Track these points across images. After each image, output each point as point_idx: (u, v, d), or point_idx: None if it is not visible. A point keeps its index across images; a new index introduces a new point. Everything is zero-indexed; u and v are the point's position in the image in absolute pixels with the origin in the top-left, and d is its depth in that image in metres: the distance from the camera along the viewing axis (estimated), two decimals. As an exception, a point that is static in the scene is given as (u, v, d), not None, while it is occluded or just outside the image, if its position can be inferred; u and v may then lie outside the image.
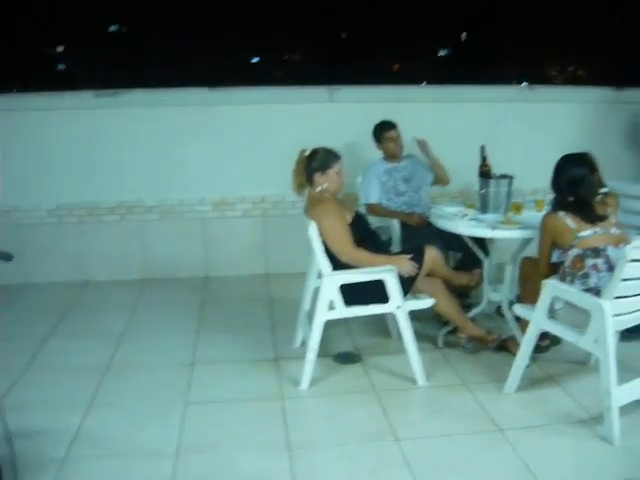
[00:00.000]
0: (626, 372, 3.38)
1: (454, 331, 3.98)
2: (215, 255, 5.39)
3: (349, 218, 3.63)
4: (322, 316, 3.49)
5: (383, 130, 4.64)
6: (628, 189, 4.34)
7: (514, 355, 3.49)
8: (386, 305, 3.52)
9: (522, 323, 3.61)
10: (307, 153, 3.68)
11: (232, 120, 5.23)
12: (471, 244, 3.92)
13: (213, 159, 5.23)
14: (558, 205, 3.40)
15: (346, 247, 3.51)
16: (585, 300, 3.14)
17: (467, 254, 4.15)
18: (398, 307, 3.50)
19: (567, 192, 3.36)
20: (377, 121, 4.68)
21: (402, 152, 4.70)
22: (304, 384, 3.53)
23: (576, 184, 3.34)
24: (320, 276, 3.56)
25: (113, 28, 11.14)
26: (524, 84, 6.64)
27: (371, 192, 4.62)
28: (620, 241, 3.24)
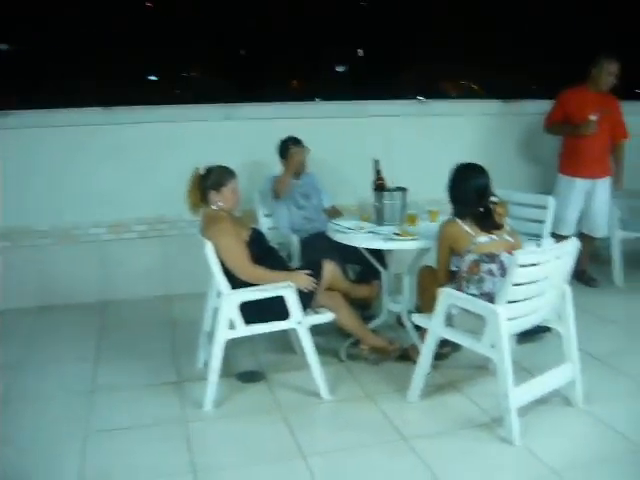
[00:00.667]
0: (523, 373, 3.52)
1: (356, 343, 4.00)
2: (113, 278, 5.25)
3: (246, 236, 3.61)
4: (222, 336, 3.45)
5: (292, 146, 4.65)
6: (517, 197, 4.50)
7: (416, 364, 3.53)
8: (287, 321, 3.51)
9: (422, 332, 3.67)
10: (201, 172, 3.65)
11: (126, 140, 5.11)
12: (369, 256, 3.97)
13: (107, 180, 5.09)
14: (457, 213, 3.52)
15: (244, 265, 3.49)
16: (480, 306, 3.23)
17: (365, 267, 4.20)
18: (299, 322, 3.50)
19: (467, 200, 3.47)
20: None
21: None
22: (208, 405, 3.47)
23: (478, 193, 3.48)
24: (219, 295, 3.53)
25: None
26: (419, 98, 6.82)
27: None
28: (513, 248, 3.35)
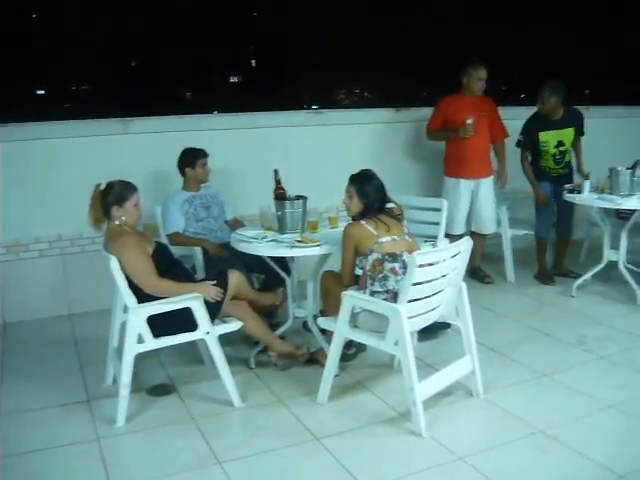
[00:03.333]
0: (427, 369, 3.68)
1: (264, 350, 4.06)
2: (13, 300, 5.08)
3: (150, 249, 3.62)
4: (131, 350, 3.44)
5: (197, 157, 4.67)
6: (413, 201, 4.70)
7: (324, 366, 3.63)
8: (195, 332, 3.53)
9: (328, 335, 3.77)
10: (102, 187, 3.63)
11: (20, 157, 4.96)
12: (273, 264, 4.04)
13: (1, 199, 4.96)
14: (361, 215, 3.66)
15: (149, 278, 3.50)
16: (382, 307, 3.36)
17: (270, 275, 4.28)
18: (207, 333, 3.53)
19: (371, 203, 3.64)
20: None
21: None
22: (120, 421, 3.45)
23: (379, 195, 3.68)
24: (126, 310, 3.52)
25: None
26: (314, 108, 6.96)
27: (172, 222, 4.62)
28: (413, 248, 3.51)
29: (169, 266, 3.72)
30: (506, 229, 5.76)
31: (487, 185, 5.62)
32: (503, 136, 5.71)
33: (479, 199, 5.61)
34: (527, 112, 5.73)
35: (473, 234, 5.46)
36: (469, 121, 5.28)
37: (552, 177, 5.61)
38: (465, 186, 5.55)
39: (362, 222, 3.62)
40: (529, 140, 5.57)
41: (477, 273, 5.75)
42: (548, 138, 5.53)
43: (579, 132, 5.65)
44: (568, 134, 5.57)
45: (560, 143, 5.56)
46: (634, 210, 5.08)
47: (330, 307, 3.74)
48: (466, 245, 3.40)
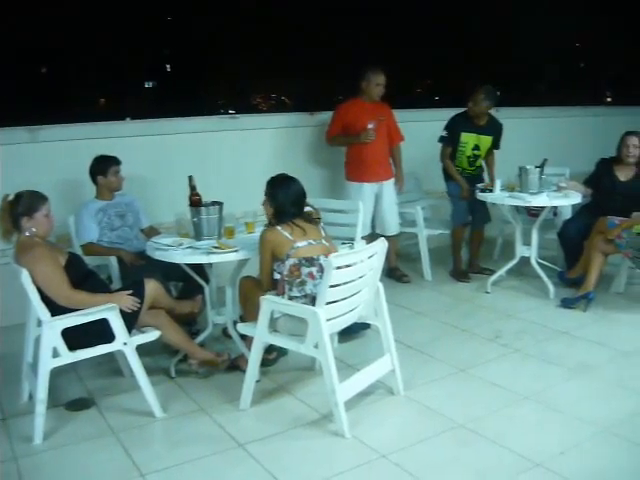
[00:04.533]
0: (348, 370, 3.71)
1: (185, 359, 4.02)
2: None
3: (63, 260, 3.53)
4: (46, 365, 3.34)
5: (109, 165, 4.57)
6: (328, 203, 4.73)
7: (245, 372, 3.61)
8: (112, 343, 3.46)
9: (248, 340, 3.75)
10: (11, 198, 3.52)
11: None
12: (190, 272, 4.00)
13: None
14: (276, 220, 3.65)
15: (63, 290, 3.41)
16: (301, 310, 3.37)
17: (188, 282, 4.23)
18: (125, 344, 3.47)
19: (285, 208, 3.63)
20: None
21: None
22: (37, 439, 3.34)
23: (293, 200, 3.67)
24: (40, 324, 3.42)
25: None
26: (231, 113, 6.93)
27: (85, 232, 4.52)
28: (330, 251, 3.54)
29: (83, 277, 3.65)
30: (422, 229, 5.86)
31: (389, 188, 5.72)
32: (399, 140, 5.80)
33: (382, 202, 5.69)
34: (442, 114, 5.87)
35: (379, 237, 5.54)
36: (370, 126, 5.37)
37: (464, 177, 5.76)
38: (368, 189, 5.61)
39: (277, 227, 3.62)
40: (451, 137, 5.69)
41: (394, 273, 5.84)
42: (468, 139, 5.69)
43: (495, 143, 5.84)
44: (486, 141, 5.76)
45: (476, 147, 5.75)
46: (544, 207, 5.27)
47: (249, 312, 3.73)
48: (382, 246, 3.46)
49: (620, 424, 3.35)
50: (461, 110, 5.77)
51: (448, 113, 5.85)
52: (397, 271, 5.88)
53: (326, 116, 5.90)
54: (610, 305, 5.10)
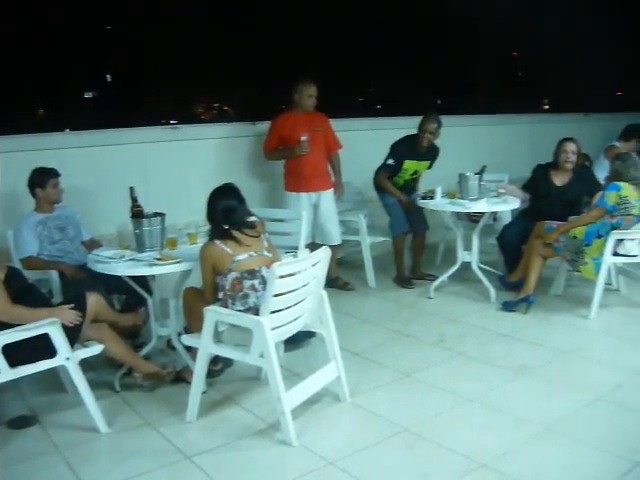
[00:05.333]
0: (294, 378, 3.71)
1: (129, 373, 3.97)
2: None
3: (1, 275, 3.45)
4: (-14, 383, 3.27)
5: (47, 177, 4.49)
6: (270, 213, 4.75)
7: (191, 384, 3.59)
8: (54, 359, 3.40)
9: (193, 352, 3.73)
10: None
11: None
12: (133, 284, 3.96)
13: None
14: (215, 234, 3.62)
15: (2, 305, 3.34)
16: (245, 320, 3.38)
17: (131, 295, 4.19)
18: (67, 358, 3.41)
19: (221, 221, 3.60)
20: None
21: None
22: (-22, 459, 3.27)
23: (229, 213, 3.62)
24: (-22, 341, 3.34)
25: None
26: (172, 123, 6.88)
27: (25, 245, 4.43)
28: (272, 262, 3.53)
29: (23, 291, 3.58)
30: (365, 236, 5.91)
31: (328, 198, 5.72)
32: (337, 148, 5.82)
33: (321, 211, 5.69)
34: (381, 123, 5.94)
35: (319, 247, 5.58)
36: (303, 138, 5.36)
37: (399, 188, 5.90)
38: (306, 200, 5.60)
39: (216, 241, 3.60)
40: (396, 165, 5.78)
41: (336, 283, 5.83)
42: (409, 167, 5.83)
43: (430, 166, 5.99)
44: (424, 166, 5.93)
45: (415, 172, 5.92)
46: (484, 213, 5.37)
47: (194, 324, 3.71)
48: (325, 254, 3.48)
49: (561, 422, 3.44)
50: (399, 129, 5.91)
51: (387, 122, 5.92)
52: (339, 280, 5.89)
53: (268, 126, 5.92)
54: (550, 307, 5.23)
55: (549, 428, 3.39)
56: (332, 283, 5.74)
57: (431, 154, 5.91)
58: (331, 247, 5.51)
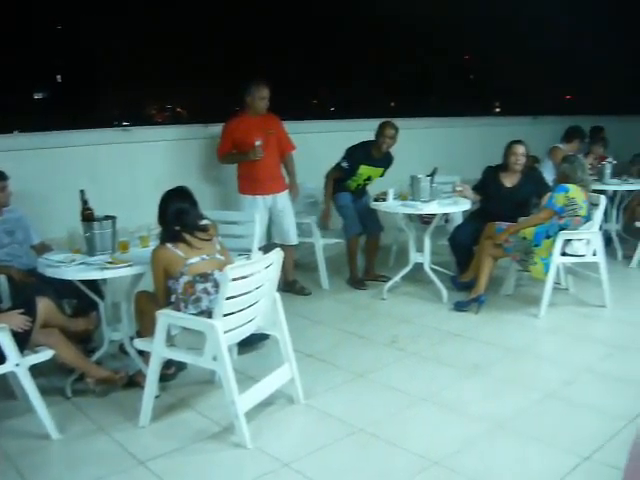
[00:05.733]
0: (248, 381, 3.70)
1: (81, 378, 3.92)
2: None
3: (-53, 281, 3.39)
4: None
5: None
6: (223, 215, 4.73)
7: (144, 388, 3.56)
8: (3, 365, 3.34)
9: (146, 356, 3.70)
10: None
11: None
12: (84, 288, 3.92)
13: None
14: (166, 237, 3.61)
15: (-52, 312, 3.28)
16: (197, 323, 3.37)
17: (82, 299, 4.12)
18: (17, 365, 3.35)
19: (173, 224, 3.58)
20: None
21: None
22: None
23: (181, 216, 3.60)
24: None
25: None
26: (124, 125, 6.80)
27: None
28: (225, 265, 3.52)
29: (-31, 298, 3.51)
30: (318, 238, 5.94)
31: (284, 198, 5.70)
32: (290, 149, 5.80)
33: (278, 213, 5.68)
34: (335, 125, 5.97)
35: (280, 247, 5.58)
36: (258, 143, 5.31)
37: (351, 191, 5.96)
38: (262, 202, 5.58)
39: (168, 245, 3.58)
40: (350, 169, 5.82)
41: (293, 286, 5.84)
42: (364, 172, 5.88)
43: (383, 173, 6.05)
44: (378, 172, 5.99)
45: (369, 178, 5.98)
46: (435, 214, 5.44)
47: (146, 327, 3.68)
48: (277, 256, 3.49)
49: (512, 419, 3.51)
50: (354, 134, 5.94)
51: (341, 125, 5.95)
52: (296, 284, 5.88)
53: (220, 128, 5.89)
54: (500, 306, 5.32)
55: (500, 425, 3.45)
56: (289, 287, 5.75)
57: (386, 161, 5.97)
58: (288, 248, 5.61)
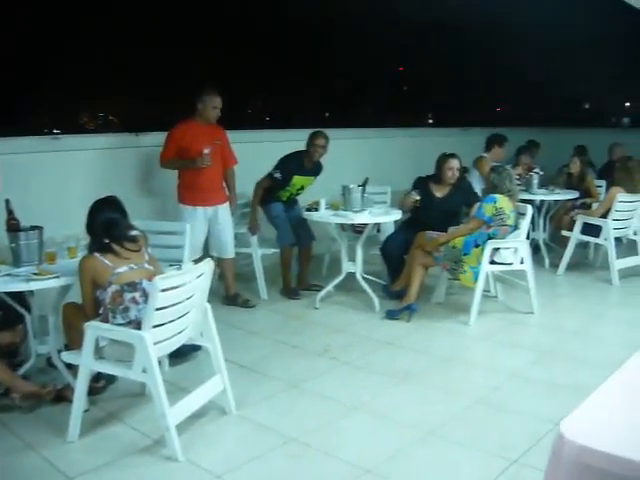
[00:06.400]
0: (179, 393, 3.66)
1: (6, 393, 3.80)
2: None
3: None
4: None
5: None
6: (155, 226, 4.66)
7: (72, 403, 3.48)
8: None
9: (74, 369, 3.63)
10: None
11: None
12: (9, 300, 3.82)
13: None
14: (94, 247, 3.56)
15: None
16: (126, 335, 3.32)
17: (7, 311, 4.01)
18: (-63, 381, 3.26)
19: (102, 234, 3.54)
20: None
21: None
22: None
23: (109, 226, 3.56)
24: None
25: None
26: (55, 133, 6.65)
27: None
28: (153, 274, 3.49)
29: None
30: (256, 249, 5.93)
31: (224, 211, 5.64)
32: (233, 163, 5.74)
33: (218, 225, 5.60)
34: (270, 135, 5.97)
35: (219, 260, 5.56)
36: (206, 151, 5.23)
37: (282, 201, 6.00)
38: (202, 213, 5.51)
39: (96, 254, 3.53)
40: (283, 179, 5.82)
41: (236, 300, 5.74)
42: (297, 182, 5.91)
43: (312, 181, 6.10)
44: (310, 181, 6.03)
45: (302, 187, 6.02)
46: (367, 224, 5.50)
47: (74, 340, 3.60)
48: (208, 266, 3.47)
49: (442, 426, 3.56)
50: (286, 144, 5.99)
51: (275, 135, 5.97)
52: (239, 297, 5.77)
53: (154, 137, 5.83)
54: (431, 314, 5.41)
55: (431, 432, 3.50)
56: (232, 301, 5.69)
57: (316, 170, 6.02)
58: (227, 261, 5.57)
